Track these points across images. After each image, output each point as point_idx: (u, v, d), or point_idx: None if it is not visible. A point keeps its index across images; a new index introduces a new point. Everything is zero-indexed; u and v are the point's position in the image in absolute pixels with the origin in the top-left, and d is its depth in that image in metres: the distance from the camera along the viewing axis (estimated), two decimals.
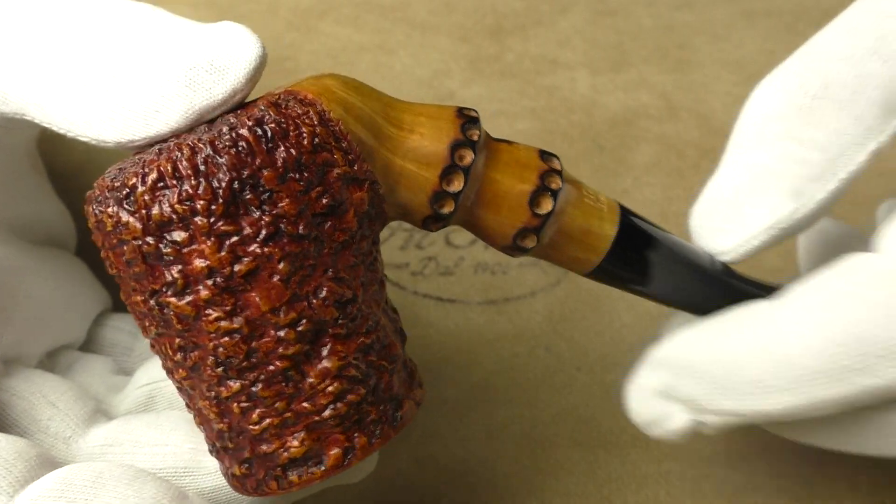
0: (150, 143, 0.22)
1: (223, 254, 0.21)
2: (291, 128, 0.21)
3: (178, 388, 0.23)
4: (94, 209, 0.22)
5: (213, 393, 0.22)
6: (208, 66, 0.21)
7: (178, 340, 0.22)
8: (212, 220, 0.21)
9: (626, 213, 0.25)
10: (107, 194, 0.21)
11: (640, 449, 0.31)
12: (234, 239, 0.21)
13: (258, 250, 0.21)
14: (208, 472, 0.24)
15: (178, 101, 0.21)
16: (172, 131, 0.21)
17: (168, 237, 0.21)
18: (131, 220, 0.21)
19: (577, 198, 0.24)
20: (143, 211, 0.21)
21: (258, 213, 0.21)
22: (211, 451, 0.23)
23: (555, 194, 0.24)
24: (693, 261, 0.25)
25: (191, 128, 0.22)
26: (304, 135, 0.21)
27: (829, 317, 0.22)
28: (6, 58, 0.23)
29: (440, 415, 0.32)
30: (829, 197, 0.24)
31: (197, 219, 0.21)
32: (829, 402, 0.22)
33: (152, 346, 0.23)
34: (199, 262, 0.21)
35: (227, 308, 0.21)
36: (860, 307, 0.21)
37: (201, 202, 0.20)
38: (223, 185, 0.20)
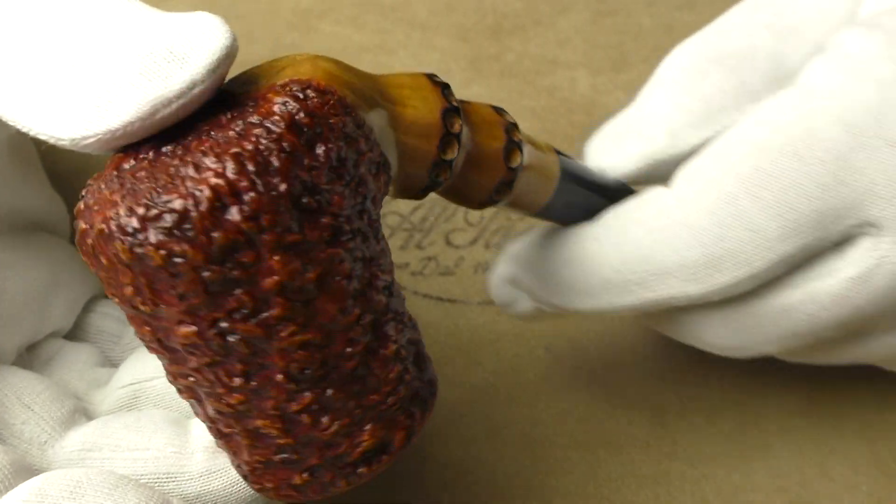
0: (108, 142, 0.20)
1: (293, 266, 0.19)
2: (322, 121, 0.20)
3: (223, 412, 0.21)
4: (125, 244, 0.19)
5: (279, 411, 0.21)
6: (166, 54, 0.19)
7: (239, 366, 0.20)
8: (278, 232, 0.19)
9: (557, 152, 0.27)
10: (146, 225, 0.19)
11: (640, 449, 0.31)
12: (301, 248, 0.19)
13: (322, 254, 0.20)
14: (191, 476, 0.24)
15: (132, 91, 0.19)
16: (125, 125, 0.19)
17: (233, 260, 0.19)
18: (189, 249, 0.19)
19: (532, 146, 0.25)
20: (203, 237, 0.18)
21: (317, 217, 0.19)
22: (255, 471, 0.22)
23: (520, 146, 0.24)
24: (601, 184, 0.28)
25: (144, 121, 0.19)
26: (334, 127, 0.20)
27: (622, 239, 0.26)
28: None
29: (440, 415, 0.32)
30: (700, 143, 0.27)
31: (264, 235, 0.19)
32: (622, 307, 0.27)
33: (184, 377, 0.21)
34: (269, 280, 0.19)
35: (301, 320, 0.20)
36: (644, 233, 0.25)
37: (266, 217, 0.19)
38: (283, 194, 0.19)
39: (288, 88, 0.20)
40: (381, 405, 0.21)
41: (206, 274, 0.19)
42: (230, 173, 0.18)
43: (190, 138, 0.20)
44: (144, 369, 0.26)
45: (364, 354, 0.21)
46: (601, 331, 0.34)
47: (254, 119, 0.19)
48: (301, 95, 0.20)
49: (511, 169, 0.24)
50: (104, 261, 0.19)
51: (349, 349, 0.20)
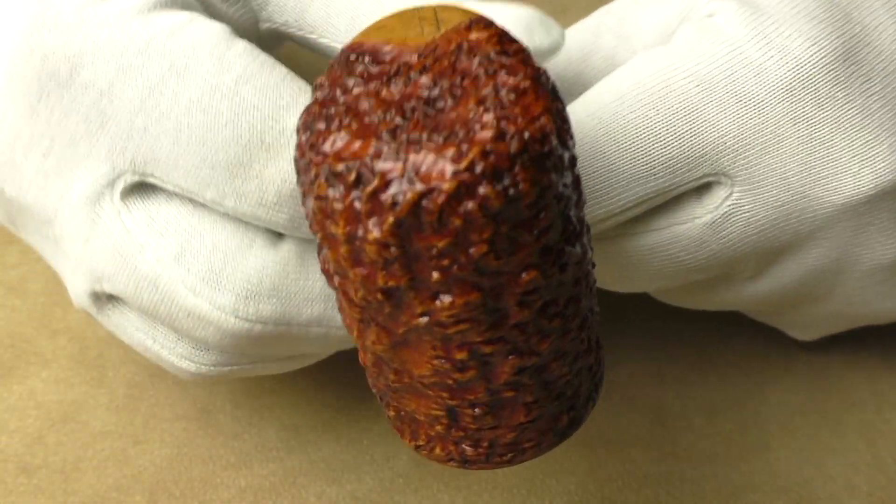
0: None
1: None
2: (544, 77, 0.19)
3: (524, 367, 0.19)
4: (497, 189, 0.17)
5: (573, 346, 0.20)
6: (541, 20, 0.24)
7: (563, 302, 0.19)
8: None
9: None
10: (511, 160, 0.17)
11: (640, 449, 0.31)
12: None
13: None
14: None
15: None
16: None
17: (572, 171, 0.19)
18: (549, 176, 0.17)
19: None
20: (558, 156, 0.18)
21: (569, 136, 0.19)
22: (526, 430, 0.21)
23: None
24: None
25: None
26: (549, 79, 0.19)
27: None
28: None
29: None
30: None
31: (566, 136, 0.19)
32: None
33: (490, 343, 0.19)
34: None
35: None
36: None
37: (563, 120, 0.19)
38: (559, 109, 0.19)
39: (489, 48, 0.18)
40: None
41: (563, 190, 0.18)
42: (546, 91, 0.18)
43: (453, 78, 0.18)
44: None
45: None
46: (601, 331, 0.34)
47: (493, 54, 0.18)
48: (521, 60, 0.19)
49: None
50: (456, 223, 0.17)
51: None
